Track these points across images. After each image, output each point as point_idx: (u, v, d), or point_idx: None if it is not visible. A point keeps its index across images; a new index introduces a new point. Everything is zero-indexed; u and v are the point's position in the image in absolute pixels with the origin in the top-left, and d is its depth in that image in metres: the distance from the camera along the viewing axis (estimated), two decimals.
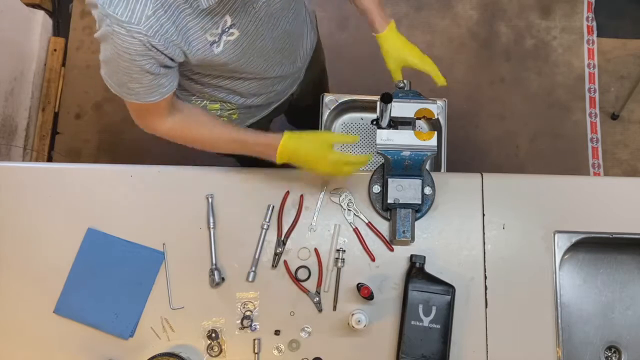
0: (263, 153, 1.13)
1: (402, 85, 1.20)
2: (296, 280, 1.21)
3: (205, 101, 1.25)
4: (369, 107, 1.72)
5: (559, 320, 1.19)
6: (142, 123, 1.12)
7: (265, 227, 1.23)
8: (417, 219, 1.22)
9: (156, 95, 1.01)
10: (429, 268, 1.19)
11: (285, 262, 1.22)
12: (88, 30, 2.51)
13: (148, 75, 0.96)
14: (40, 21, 2.42)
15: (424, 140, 1.13)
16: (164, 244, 1.23)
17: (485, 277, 1.22)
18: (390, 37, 1.18)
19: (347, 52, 2.40)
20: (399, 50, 1.19)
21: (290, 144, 1.11)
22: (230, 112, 1.30)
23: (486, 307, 1.20)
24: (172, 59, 0.97)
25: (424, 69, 1.19)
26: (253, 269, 1.21)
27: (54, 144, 2.40)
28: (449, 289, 1.14)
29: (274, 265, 1.22)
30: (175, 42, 0.94)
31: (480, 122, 2.38)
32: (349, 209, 1.25)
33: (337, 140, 1.18)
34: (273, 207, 1.25)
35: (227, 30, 1.00)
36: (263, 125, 1.46)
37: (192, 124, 1.14)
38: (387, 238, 1.23)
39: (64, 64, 2.47)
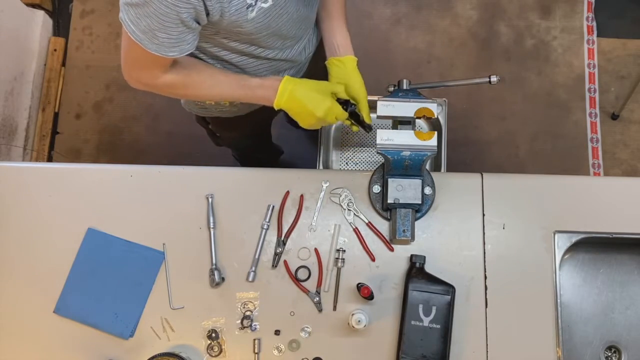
0: (263, 97, 1.15)
1: (391, 89, 1.20)
2: (296, 280, 1.21)
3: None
4: (369, 107, 1.72)
5: (559, 320, 1.19)
6: (138, 74, 1.08)
7: (265, 227, 1.23)
8: (417, 219, 1.22)
9: (176, 51, 0.99)
10: (429, 268, 1.19)
11: (285, 262, 1.22)
12: (88, 30, 2.51)
13: (180, 26, 0.94)
14: (40, 21, 2.43)
15: (424, 140, 1.13)
16: (164, 244, 1.23)
17: (485, 277, 1.22)
18: (351, 63, 1.23)
19: None
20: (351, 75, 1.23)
21: (289, 85, 1.13)
22: None
23: (486, 307, 1.20)
24: (207, 14, 0.95)
25: (360, 102, 1.22)
26: (253, 269, 1.21)
27: (54, 144, 2.40)
28: (449, 289, 1.14)
29: (274, 265, 1.22)
30: None
31: (480, 122, 2.38)
32: (349, 209, 1.25)
33: (338, 90, 1.19)
34: (273, 207, 1.25)
35: None
36: (264, 120, 1.46)
37: (193, 72, 1.12)
38: (387, 238, 1.23)
39: (64, 64, 2.47)
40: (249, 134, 1.63)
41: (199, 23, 0.97)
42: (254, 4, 0.99)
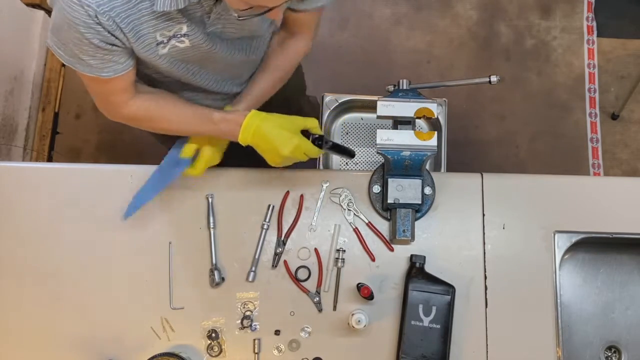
0: (227, 131, 1.10)
1: (391, 89, 1.20)
2: (296, 280, 1.21)
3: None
4: (368, 107, 1.72)
5: (559, 320, 1.19)
6: (104, 107, 1.09)
7: (265, 227, 1.23)
8: (417, 219, 1.22)
9: (109, 71, 0.99)
10: (429, 268, 1.19)
11: (285, 262, 1.22)
12: None
13: (99, 51, 0.94)
14: (40, 21, 2.43)
15: (424, 140, 1.13)
16: (170, 243, 1.23)
17: (485, 277, 1.22)
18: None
19: (347, 52, 2.41)
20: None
21: (255, 120, 1.08)
22: None
23: (486, 307, 1.20)
24: (119, 42, 0.95)
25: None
26: (253, 269, 1.21)
27: (54, 144, 2.40)
28: (449, 289, 1.14)
29: (274, 265, 1.22)
30: (123, 28, 0.92)
31: (480, 122, 2.38)
32: (349, 209, 1.25)
33: (310, 125, 1.11)
34: (273, 207, 1.25)
35: (178, 36, 0.98)
36: None
37: (156, 105, 1.11)
38: (387, 238, 1.23)
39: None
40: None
41: (119, 46, 0.96)
42: (165, 41, 0.98)
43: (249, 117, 1.08)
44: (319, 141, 1.11)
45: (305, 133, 1.12)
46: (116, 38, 0.93)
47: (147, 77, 1.14)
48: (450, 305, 1.13)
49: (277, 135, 1.07)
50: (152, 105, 1.10)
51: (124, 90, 1.05)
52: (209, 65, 1.11)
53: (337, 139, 1.81)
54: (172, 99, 1.13)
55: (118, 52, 0.97)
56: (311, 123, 1.12)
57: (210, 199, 1.25)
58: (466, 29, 2.50)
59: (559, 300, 1.20)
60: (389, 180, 1.19)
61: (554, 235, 1.23)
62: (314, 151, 1.11)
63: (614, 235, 1.24)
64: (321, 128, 1.64)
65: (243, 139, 1.09)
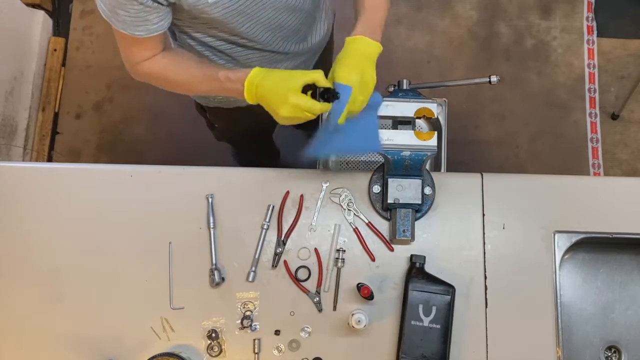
0: (233, 90, 1.06)
1: (391, 89, 1.19)
2: (296, 280, 1.21)
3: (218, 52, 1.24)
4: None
5: (559, 320, 1.19)
6: (128, 61, 1.09)
7: (265, 227, 1.23)
8: (417, 219, 1.22)
9: (142, 30, 0.99)
10: (429, 268, 1.19)
11: (285, 262, 1.22)
12: (88, 30, 2.51)
13: (135, 4, 0.94)
14: (40, 21, 2.43)
15: (424, 140, 1.13)
16: (170, 243, 1.23)
17: (485, 277, 1.22)
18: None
19: None
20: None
21: (257, 77, 1.02)
22: None
23: (486, 307, 1.20)
24: None
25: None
26: (253, 269, 1.21)
27: (54, 144, 2.40)
28: (449, 289, 1.14)
29: (274, 265, 1.22)
30: None
31: (480, 122, 2.39)
32: (349, 209, 1.25)
33: (309, 80, 1.00)
34: (273, 207, 1.25)
35: None
36: (264, 115, 1.44)
37: (172, 64, 1.11)
38: (387, 238, 1.23)
39: (64, 64, 2.47)
40: (247, 128, 1.62)
41: (159, 2, 0.97)
42: None
43: (251, 75, 1.02)
44: (326, 94, 1.00)
45: (313, 87, 1.02)
46: None
47: (201, 45, 1.16)
48: (450, 305, 1.13)
49: (274, 95, 1.00)
50: (169, 65, 1.10)
51: (151, 49, 1.06)
52: (263, 13, 1.09)
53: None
54: (187, 58, 1.12)
55: (157, 10, 0.97)
56: (314, 76, 0.99)
57: (210, 199, 1.25)
58: (466, 29, 2.50)
59: (559, 300, 1.20)
60: (389, 180, 1.19)
61: (554, 235, 1.23)
62: (316, 107, 0.99)
63: (614, 235, 1.24)
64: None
65: (249, 98, 1.04)
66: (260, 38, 1.15)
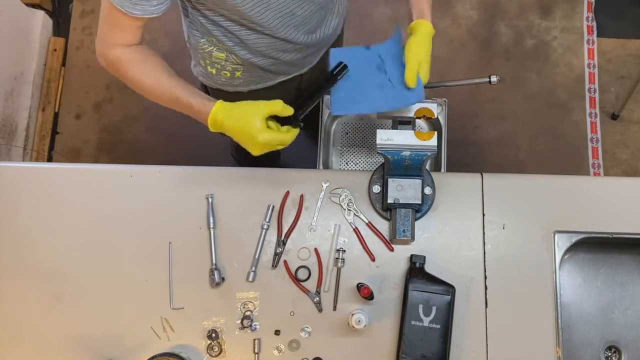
0: (197, 118, 1.05)
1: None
2: (296, 280, 1.21)
3: (213, 47, 1.24)
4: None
5: (559, 320, 1.19)
6: (104, 39, 1.07)
7: (265, 227, 1.23)
8: (417, 219, 1.22)
9: (139, 10, 0.99)
10: (429, 268, 1.19)
11: (285, 262, 1.22)
12: (88, 30, 2.51)
13: None
14: (40, 21, 2.43)
15: (424, 140, 1.13)
16: (170, 243, 1.23)
17: (485, 277, 1.22)
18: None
19: None
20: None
21: (219, 115, 1.02)
22: (235, 66, 1.29)
23: (486, 307, 1.20)
24: None
25: (407, 65, 1.12)
26: (253, 269, 1.21)
27: (54, 144, 2.40)
28: (449, 289, 1.14)
29: (274, 265, 1.22)
30: None
31: (480, 122, 2.38)
32: (349, 209, 1.25)
33: (271, 112, 1.01)
34: (273, 207, 1.25)
35: None
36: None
37: (143, 59, 1.08)
38: (387, 238, 1.23)
39: (64, 64, 2.47)
40: None
41: None
42: None
43: (213, 111, 1.02)
44: (293, 119, 1.03)
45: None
46: None
47: (211, 24, 1.15)
48: (450, 305, 1.13)
49: (241, 135, 1.02)
50: (139, 62, 1.08)
51: (132, 34, 1.05)
52: (270, 1, 1.10)
53: (337, 139, 1.81)
54: (160, 65, 1.10)
55: None
56: (274, 108, 1.01)
57: (210, 199, 1.25)
58: (466, 29, 2.50)
59: (559, 300, 1.20)
60: (389, 180, 1.19)
61: (554, 235, 1.23)
62: (286, 139, 1.02)
63: (614, 235, 1.24)
64: (320, 128, 1.62)
65: (213, 130, 1.05)
66: (270, 24, 1.15)
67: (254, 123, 1.00)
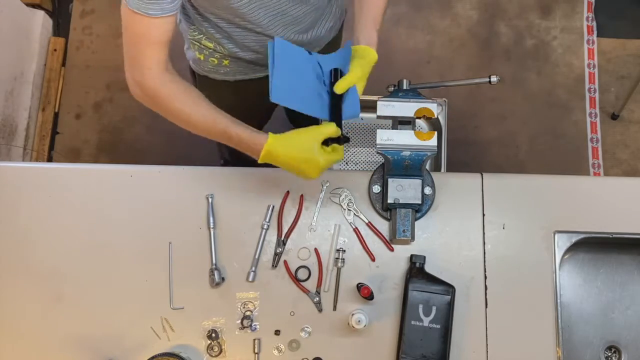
0: (246, 151, 1.07)
1: (391, 89, 1.19)
2: (296, 280, 1.21)
3: (202, 35, 1.25)
4: (368, 106, 1.72)
5: (559, 320, 1.19)
6: (133, 66, 1.05)
7: (265, 227, 1.23)
8: (417, 219, 1.22)
9: (157, 9, 0.98)
10: (429, 268, 1.19)
11: (285, 262, 1.22)
12: (88, 30, 2.51)
13: None
14: (40, 21, 2.43)
15: (424, 140, 1.13)
16: (170, 243, 1.23)
17: (485, 277, 1.22)
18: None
19: None
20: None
21: (277, 147, 1.03)
22: (222, 57, 1.30)
23: (486, 307, 1.20)
24: None
25: (348, 75, 1.09)
26: (253, 269, 1.21)
27: (54, 144, 2.40)
28: (449, 289, 1.14)
29: (274, 265, 1.22)
30: None
31: (480, 122, 2.38)
32: (349, 209, 1.25)
33: (327, 136, 1.05)
34: (273, 207, 1.25)
35: None
36: (255, 96, 1.40)
37: (184, 91, 1.08)
38: (387, 238, 1.23)
39: (64, 64, 2.47)
40: (230, 106, 1.59)
41: None
42: None
43: (269, 143, 1.03)
44: (342, 137, 1.08)
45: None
46: None
47: (200, 15, 1.15)
48: (450, 305, 1.13)
49: (303, 161, 1.04)
50: (179, 90, 1.07)
51: (159, 44, 1.03)
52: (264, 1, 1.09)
53: None
54: (199, 96, 1.09)
55: None
56: (330, 130, 1.05)
57: (210, 199, 1.25)
58: (466, 29, 2.50)
59: (559, 300, 1.20)
60: (389, 180, 1.18)
61: (554, 235, 1.23)
62: (341, 154, 1.08)
63: (614, 235, 1.24)
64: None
65: (263, 161, 1.06)
66: (261, 21, 1.15)
67: (314, 149, 1.03)
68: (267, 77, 1.37)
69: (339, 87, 1.07)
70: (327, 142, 1.07)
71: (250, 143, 1.05)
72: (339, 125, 1.08)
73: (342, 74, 1.10)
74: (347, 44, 1.13)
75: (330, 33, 1.35)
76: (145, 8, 0.98)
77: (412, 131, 1.14)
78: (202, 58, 1.33)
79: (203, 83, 1.45)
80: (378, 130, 1.14)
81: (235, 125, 1.07)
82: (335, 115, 1.09)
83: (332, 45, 1.42)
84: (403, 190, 1.18)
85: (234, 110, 1.65)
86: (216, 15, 1.15)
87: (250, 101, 1.47)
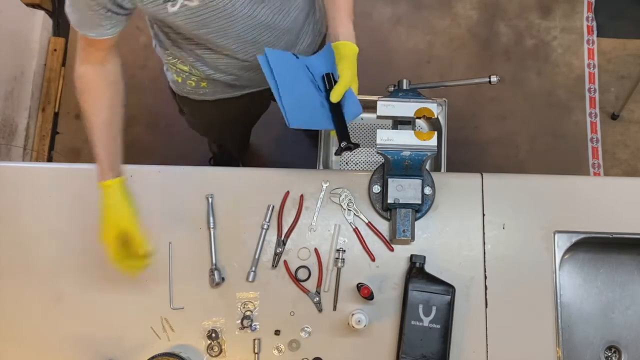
0: (98, 171, 1.10)
1: (391, 89, 1.19)
2: (296, 280, 1.21)
3: (176, 60, 1.26)
4: (368, 107, 1.72)
5: (559, 320, 1.19)
6: (80, 55, 1.11)
7: (265, 227, 1.23)
8: (417, 219, 1.22)
9: (96, 34, 1.03)
10: (429, 268, 1.19)
11: (285, 262, 1.22)
12: None
13: (91, 9, 0.98)
14: (40, 21, 2.42)
15: (424, 140, 1.13)
16: (170, 243, 1.23)
17: (485, 277, 1.22)
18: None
19: None
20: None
21: (108, 193, 1.08)
22: (199, 79, 1.30)
23: (486, 307, 1.20)
24: (120, 5, 0.98)
25: (339, 84, 1.09)
26: (253, 269, 1.21)
27: (54, 144, 2.40)
28: (449, 289, 1.14)
29: (274, 265, 1.22)
30: None
31: (480, 122, 2.38)
32: (349, 209, 1.25)
33: (130, 233, 1.08)
34: (273, 207, 1.25)
35: None
36: (236, 110, 1.41)
37: (97, 89, 1.11)
38: (387, 238, 1.23)
39: (64, 64, 2.47)
40: (212, 120, 1.59)
41: (115, 12, 0.99)
42: None
43: (106, 184, 1.07)
44: (351, 144, 1.08)
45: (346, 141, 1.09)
46: (117, 4, 0.97)
47: (171, 35, 1.16)
48: (450, 305, 1.13)
49: (106, 222, 1.07)
50: (91, 86, 1.11)
51: (100, 49, 1.08)
52: (231, 28, 1.09)
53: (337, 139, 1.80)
54: (113, 98, 1.12)
55: (110, 18, 1.00)
56: (136, 236, 1.08)
57: (210, 199, 1.25)
58: (466, 29, 2.50)
59: (559, 300, 1.20)
60: (389, 180, 1.18)
61: (554, 235, 1.23)
62: (121, 265, 1.09)
63: (614, 235, 1.24)
64: (321, 129, 1.61)
65: (99, 188, 1.09)
66: (229, 47, 1.14)
67: (115, 228, 1.07)
68: (247, 94, 1.36)
69: (335, 96, 1.08)
70: (340, 149, 1.08)
71: (99, 168, 1.08)
72: (344, 134, 1.09)
73: (333, 78, 1.11)
74: (328, 45, 1.13)
75: (309, 49, 1.32)
76: (84, 30, 1.03)
77: (412, 131, 1.14)
78: (179, 80, 1.33)
79: (184, 102, 1.45)
80: (378, 130, 1.14)
81: (102, 146, 1.09)
82: (339, 125, 1.10)
83: None
84: (403, 190, 1.18)
85: (217, 125, 1.66)
86: (184, 37, 1.15)
87: (233, 116, 1.47)
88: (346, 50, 1.11)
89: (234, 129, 1.75)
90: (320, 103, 1.11)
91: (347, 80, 1.08)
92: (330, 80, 1.11)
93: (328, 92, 1.10)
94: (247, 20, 1.08)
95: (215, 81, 1.30)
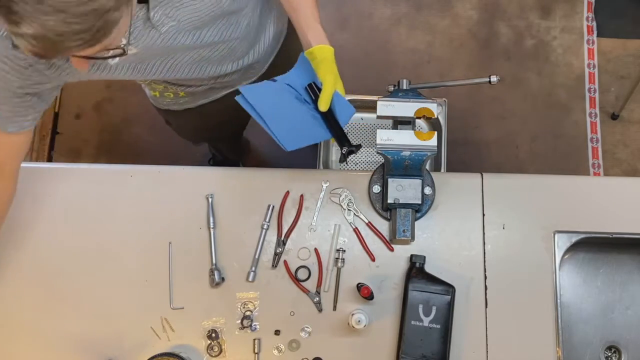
0: None
1: (391, 89, 1.19)
2: (296, 280, 1.21)
3: (149, 80, 1.24)
4: (368, 107, 1.73)
5: (559, 320, 1.19)
6: None
7: (265, 227, 1.23)
8: (417, 219, 1.22)
9: (15, 126, 0.97)
10: (429, 268, 1.19)
11: (285, 262, 1.22)
12: None
13: (14, 98, 0.92)
14: None
15: (424, 140, 1.13)
16: (170, 243, 1.23)
17: (485, 277, 1.22)
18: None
19: (347, 52, 2.40)
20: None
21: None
22: (176, 92, 1.29)
23: (486, 307, 1.20)
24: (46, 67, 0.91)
25: (324, 90, 1.07)
26: (253, 269, 1.21)
27: (54, 144, 2.40)
28: (449, 289, 1.14)
29: (274, 265, 1.22)
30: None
31: (480, 122, 2.38)
32: (349, 209, 1.25)
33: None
34: (273, 207, 1.25)
35: (121, 47, 0.84)
36: (219, 113, 1.39)
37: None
38: (387, 238, 1.23)
39: None
40: (196, 126, 1.58)
41: (36, 93, 0.93)
42: (109, 53, 0.85)
43: None
44: (354, 148, 1.09)
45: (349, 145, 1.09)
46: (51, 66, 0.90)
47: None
48: (450, 305, 1.13)
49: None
50: None
51: (12, 155, 1.03)
52: (181, 59, 1.06)
53: None
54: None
55: (33, 106, 0.95)
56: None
57: (210, 199, 1.25)
58: (466, 29, 2.50)
59: (559, 300, 1.20)
60: (389, 180, 1.18)
61: (554, 235, 1.23)
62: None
63: (614, 235, 1.24)
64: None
65: None
66: (187, 74, 1.13)
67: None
68: (228, 94, 1.34)
69: (323, 105, 1.07)
70: (342, 155, 1.08)
71: None
72: (343, 139, 1.08)
73: (316, 86, 1.10)
74: (302, 56, 1.11)
75: (278, 39, 1.29)
76: (3, 124, 0.96)
77: (412, 131, 1.14)
78: (157, 95, 1.33)
79: (167, 114, 1.44)
80: (378, 130, 1.14)
81: None
82: (335, 131, 1.10)
83: (290, 42, 1.35)
84: (403, 190, 1.18)
85: (205, 130, 1.66)
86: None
87: (218, 118, 1.46)
88: (321, 54, 1.08)
89: (223, 130, 1.74)
90: (311, 117, 1.11)
91: (330, 85, 1.06)
92: (314, 90, 1.10)
93: (315, 102, 1.09)
94: (192, 50, 1.06)
95: (193, 92, 1.29)
